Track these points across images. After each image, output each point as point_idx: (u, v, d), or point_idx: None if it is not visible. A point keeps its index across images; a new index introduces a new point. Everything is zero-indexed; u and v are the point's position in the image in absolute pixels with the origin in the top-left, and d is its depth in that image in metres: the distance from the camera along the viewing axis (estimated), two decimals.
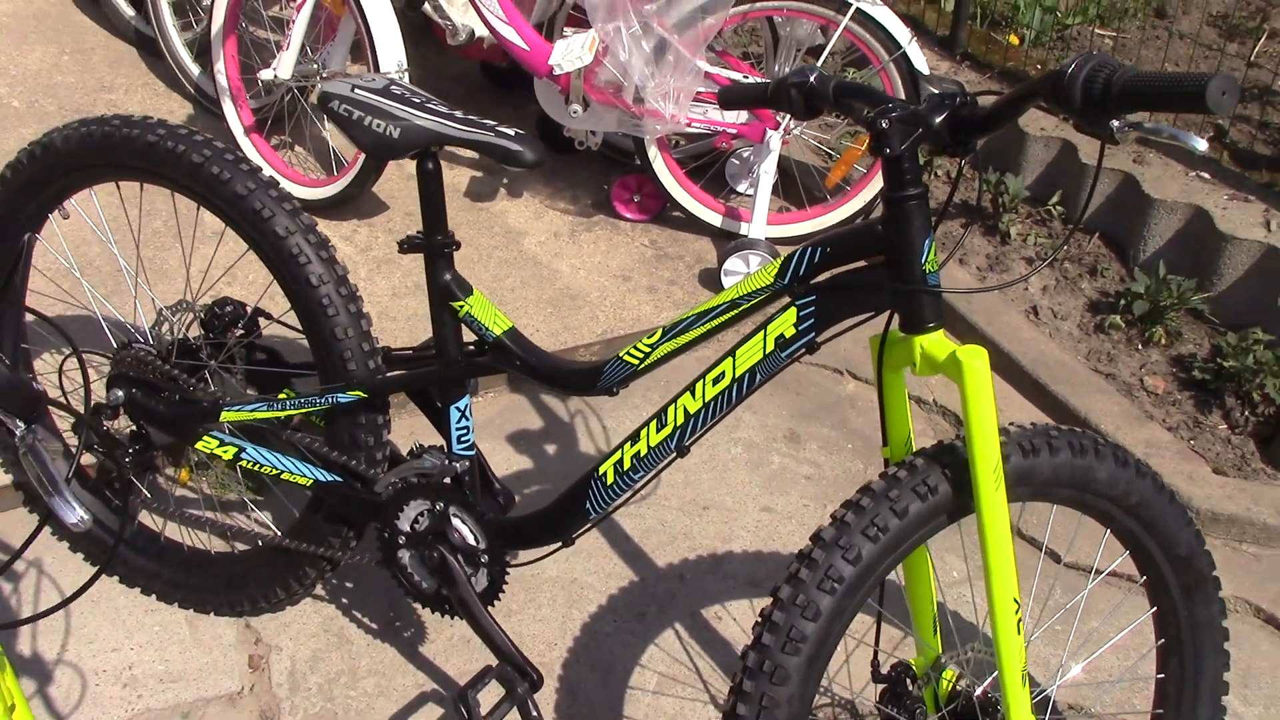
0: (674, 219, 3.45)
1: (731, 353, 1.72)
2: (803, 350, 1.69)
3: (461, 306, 1.88)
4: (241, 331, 2.15)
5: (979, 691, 1.79)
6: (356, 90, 1.80)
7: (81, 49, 3.96)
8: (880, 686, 1.87)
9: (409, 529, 1.99)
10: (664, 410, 1.79)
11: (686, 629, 2.38)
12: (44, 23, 4.08)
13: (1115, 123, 1.39)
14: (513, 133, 1.77)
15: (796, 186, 3.48)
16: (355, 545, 2.11)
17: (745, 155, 3.45)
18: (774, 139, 3.12)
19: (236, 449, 2.04)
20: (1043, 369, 2.97)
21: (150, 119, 1.99)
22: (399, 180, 3.49)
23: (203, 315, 2.16)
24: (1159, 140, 2.97)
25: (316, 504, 2.10)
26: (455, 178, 3.55)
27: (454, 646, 2.29)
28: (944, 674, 1.82)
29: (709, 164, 3.47)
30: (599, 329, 3.00)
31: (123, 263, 2.84)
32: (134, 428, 2.13)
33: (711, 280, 3.24)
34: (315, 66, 3.21)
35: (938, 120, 1.50)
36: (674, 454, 1.80)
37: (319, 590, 2.37)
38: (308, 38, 3.10)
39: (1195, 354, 3.07)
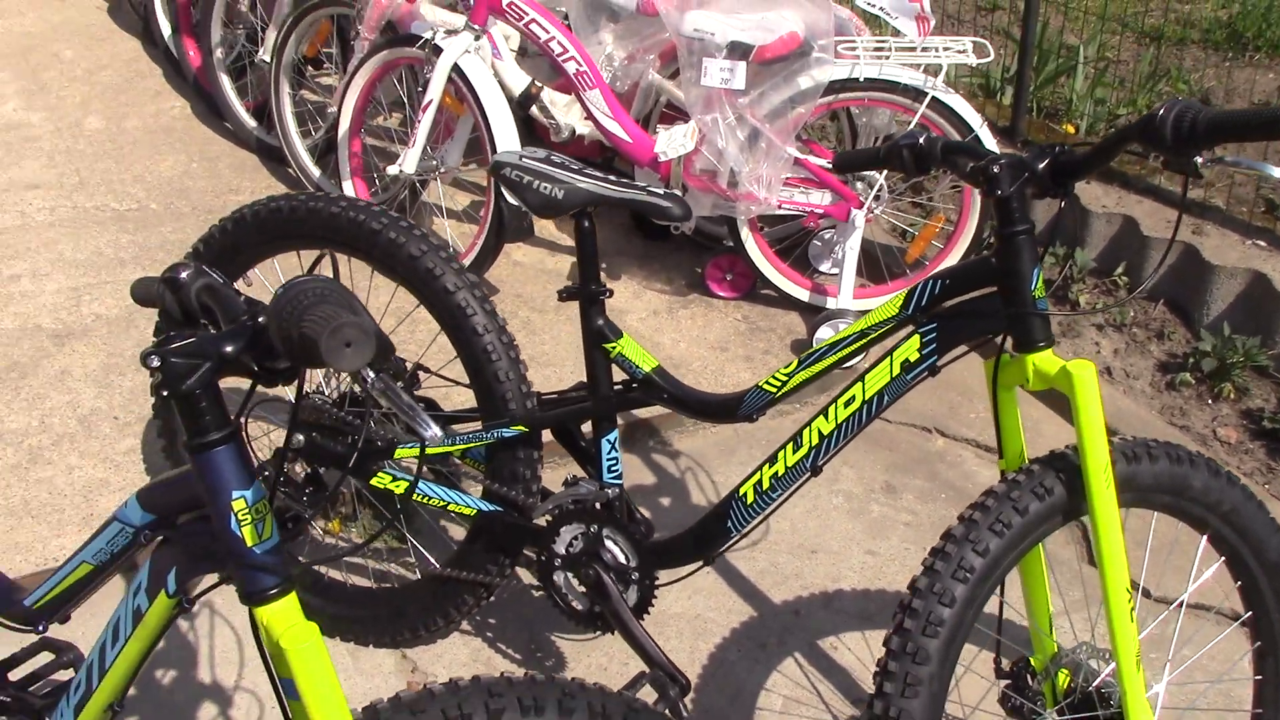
0: (763, 296, 3.71)
1: (861, 378, 1.95)
2: (925, 373, 1.91)
3: (614, 347, 2.13)
4: (402, 384, 2.40)
5: (1095, 683, 1.95)
6: (524, 159, 2.08)
7: (208, 157, 4.31)
8: (1003, 683, 2.05)
9: (564, 551, 2.21)
10: (799, 434, 2.01)
11: (805, 657, 2.56)
12: (172, 135, 4.44)
13: (1199, 159, 1.63)
14: (662, 192, 2.03)
15: (875, 263, 3.74)
16: (510, 571, 2.33)
17: (827, 237, 3.72)
18: (858, 217, 3.38)
19: (408, 483, 2.27)
20: (1121, 423, 3.17)
21: (335, 195, 2.27)
22: (505, 266, 3.77)
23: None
24: (1238, 171, 3.21)
25: (475, 534, 2.33)
26: (558, 263, 3.84)
27: (592, 674, 2.48)
28: (1060, 670, 1.99)
29: (792, 246, 3.74)
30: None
31: None
32: (308, 472, 2.37)
33: (803, 349, 3.47)
34: (434, 163, 3.52)
35: (1041, 165, 1.75)
36: (808, 473, 2.02)
37: (465, 626, 2.58)
38: (430, 137, 3.42)
39: (1264, 407, 3.26)
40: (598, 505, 2.18)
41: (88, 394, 3.10)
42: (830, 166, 2.11)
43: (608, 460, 2.20)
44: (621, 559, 2.17)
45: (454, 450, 2.25)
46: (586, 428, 2.26)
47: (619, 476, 2.21)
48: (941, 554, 1.77)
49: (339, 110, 3.62)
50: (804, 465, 2.01)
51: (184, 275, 1.33)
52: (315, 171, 4.00)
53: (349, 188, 3.71)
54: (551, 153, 2.13)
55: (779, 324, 3.61)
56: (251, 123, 4.33)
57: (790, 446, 2.02)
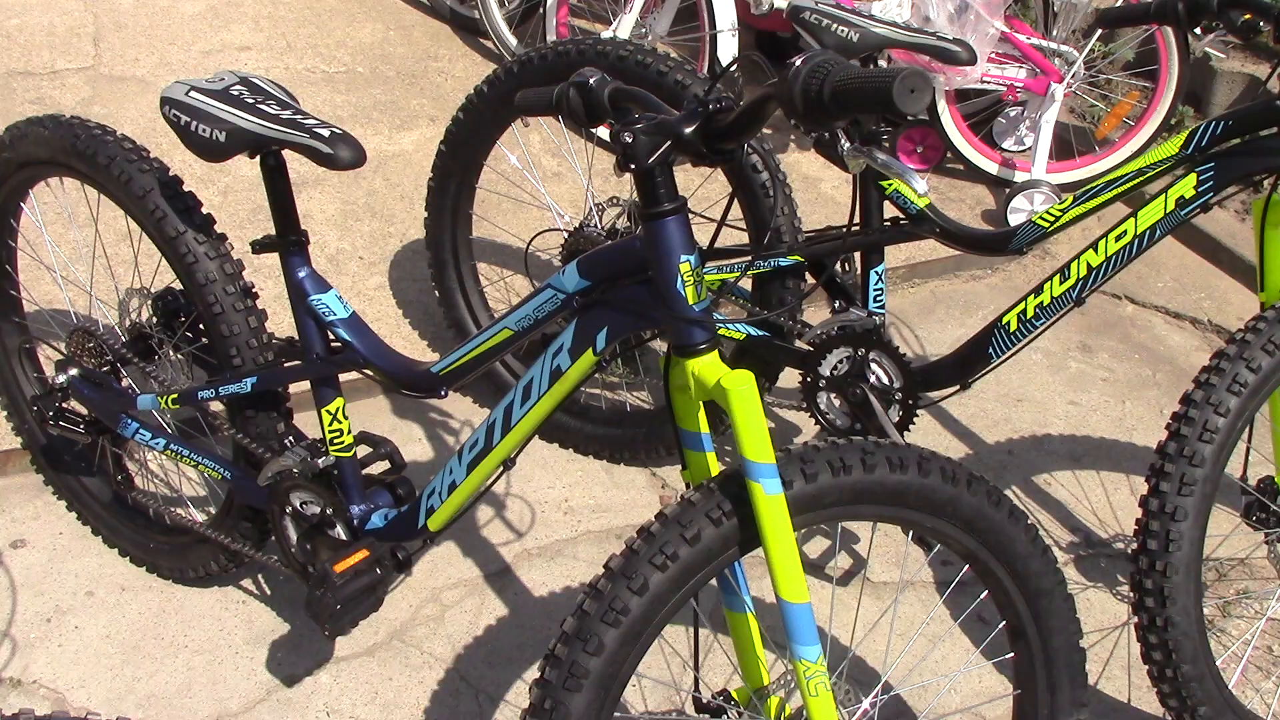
0: (949, 169, 3.85)
1: (1134, 214, 2.11)
2: (1198, 209, 2.07)
3: (888, 184, 2.31)
4: None
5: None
6: (820, 4, 2.24)
7: (403, 26, 4.50)
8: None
9: (829, 374, 2.40)
10: (1067, 265, 2.18)
11: (1021, 490, 2.76)
12: (365, 4, 4.63)
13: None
14: (951, 38, 2.19)
15: (1058, 140, 3.86)
16: (770, 391, 2.53)
17: (1012, 114, 3.84)
18: (1058, 91, 3.50)
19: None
20: None
21: (620, 41, 2.44)
22: None
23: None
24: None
25: (738, 356, 2.53)
26: None
27: None
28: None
29: (979, 123, 3.86)
30: (902, 255, 3.41)
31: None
32: None
33: (994, 220, 3.63)
34: (643, 30, 3.68)
35: None
36: (1072, 305, 2.19)
37: None
38: (643, 4, 3.57)
39: None
40: (864, 331, 2.37)
41: (331, 236, 3.32)
42: (1100, 22, 2.24)
43: (874, 290, 2.38)
44: (886, 381, 2.37)
45: (732, 277, 2.44)
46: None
47: (883, 307, 2.40)
48: (1204, 384, 1.93)
49: None
50: (1069, 296, 2.18)
51: (593, 80, 1.49)
52: (512, 40, 4.16)
53: None
54: (838, 3, 2.29)
55: (968, 195, 3.76)
56: None
57: (1057, 278, 2.19)
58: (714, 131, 1.41)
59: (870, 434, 2.40)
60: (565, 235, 2.61)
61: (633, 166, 1.42)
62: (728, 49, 3.48)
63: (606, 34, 3.59)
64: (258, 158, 1.83)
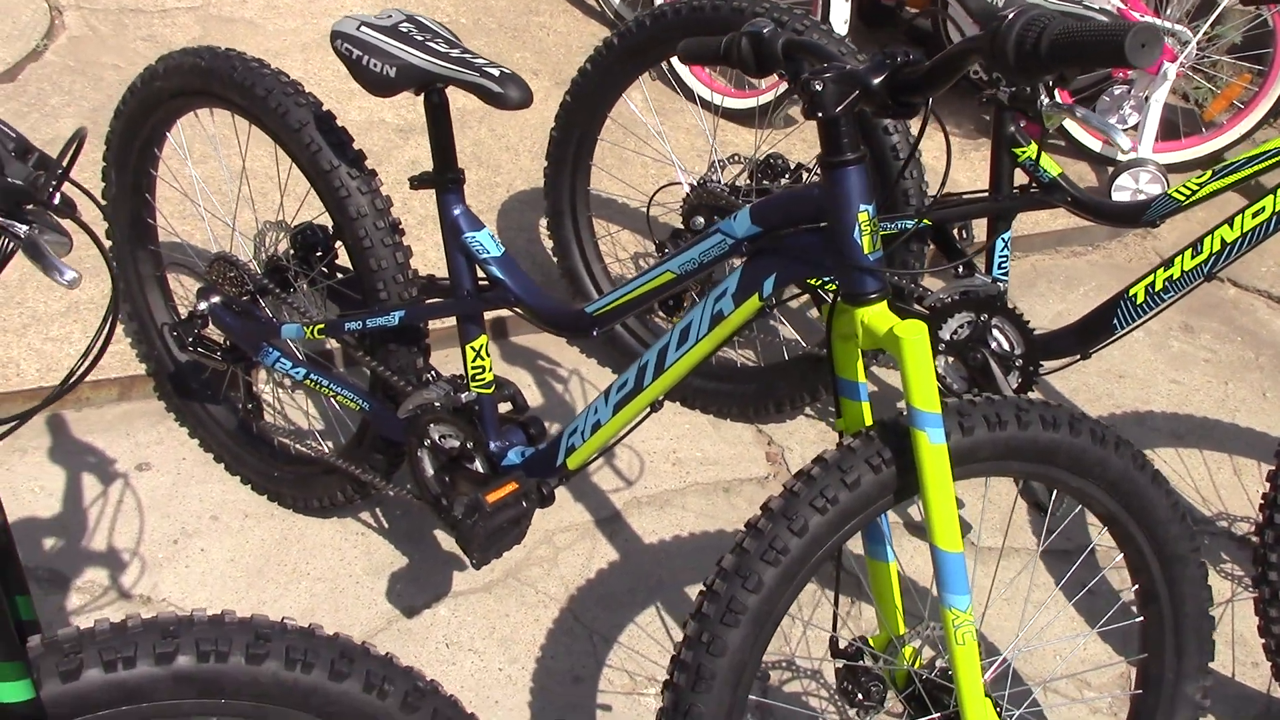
0: (1051, 145, 3.83)
1: (1273, 191, 2.11)
2: None
3: (1022, 152, 2.32)
4: None
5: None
6: None
7: None
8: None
9: (949, 337, 2.42)
10: (1200, 240, 2.19)
11: None
12: None
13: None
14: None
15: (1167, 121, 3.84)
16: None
17: (1116, 93, 3.82)
18: (1170, 70, 3.48)
19: None
20: None
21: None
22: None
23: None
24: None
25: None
26: None
27: None
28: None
29: (1085, 99, 3.85)
30: None
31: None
32: None
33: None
34: None
35: None
36: (1202, 279, 2.20)
37: (809, 410, 2.83)
38: None
39: None
40: (987, 297, 2.38)
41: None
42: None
43: (999, 257, 2.39)
44: (1008, 347, 2.38)
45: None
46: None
47: (1007, 274, 2.41)
48: None
49: None
50: (1200, 270, 2.19)
51: (766, 30, 1.51)
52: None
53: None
54: None
55: (1070, 171, 3.74)
56: None
57: (1189, 252, 2.20)
58: (901, 83, 1.43)
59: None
60: (687, 190, 2.63)
61: (820, 115, 1.44)
62: (839, 11, 3.48)
63: None
64: (421, 94, 1.87)
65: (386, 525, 2.47)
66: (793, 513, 1.52)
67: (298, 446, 2.39)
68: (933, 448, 1.48)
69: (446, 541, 2.43)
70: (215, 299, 2.26)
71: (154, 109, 2.27)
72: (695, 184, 2.61)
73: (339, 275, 2.22)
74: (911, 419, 1.49)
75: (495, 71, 1.75)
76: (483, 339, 1.98)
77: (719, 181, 2.61)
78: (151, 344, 2.55)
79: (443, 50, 1.82)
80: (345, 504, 2.35)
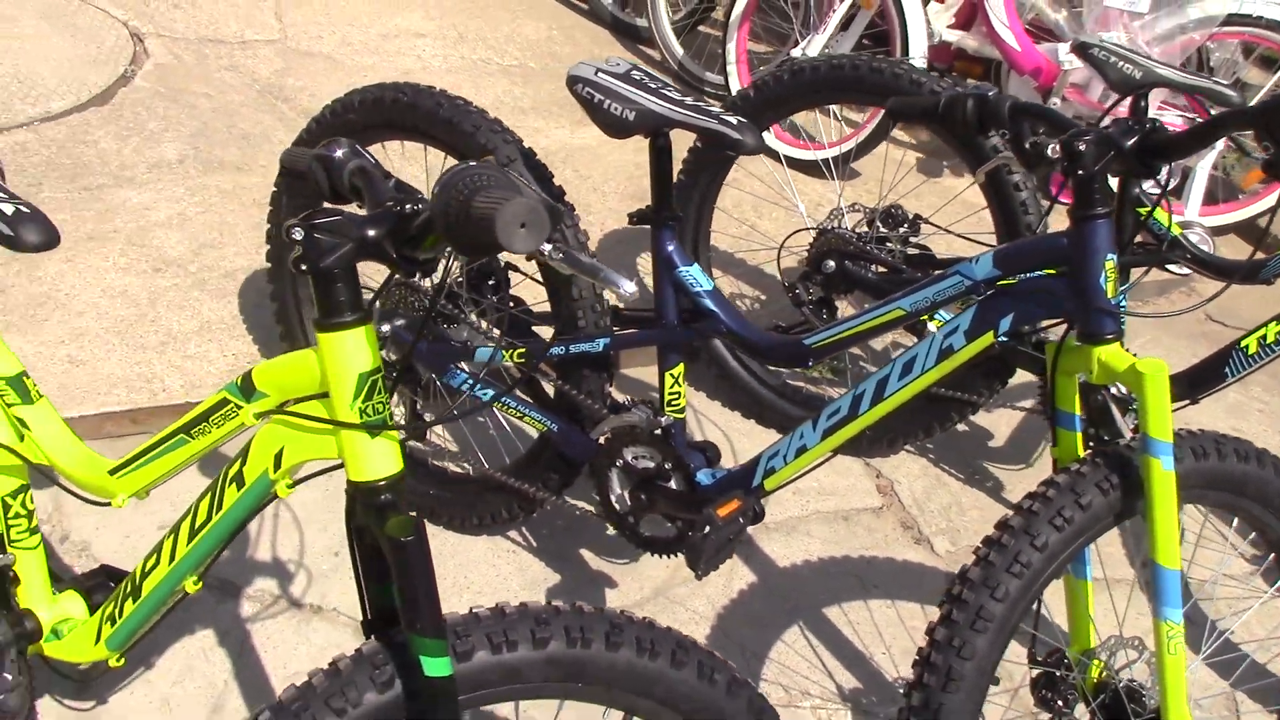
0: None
1: None
2: None
3: (1145, 211, 2.52)
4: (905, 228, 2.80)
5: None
6: (1104, 42, 2.45)
7: (564, 26, 4.69)
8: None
9: None
10: None
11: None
12: (523, 2, 4.81)
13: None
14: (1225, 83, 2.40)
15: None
16: (998, 394, 2.73)
17: None
18: (1219, 141, 3.74)
19: None
20: None
21: (892, 59, 2.64)
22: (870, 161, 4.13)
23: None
24: None
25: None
26: (906, 155, 4.21)
27: None
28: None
29: None
30: None
31: None
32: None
33: None
34: (828, 51, 3.89)
35: None
36: None
37: (910, 449, 3.00)
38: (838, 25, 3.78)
39: None
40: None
41: None
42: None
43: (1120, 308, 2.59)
44: (1125, 390, 2.57)
45: None
46: None
47: (1124, 324, 2.61)
48: None
49: None
50: None
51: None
52: (679, 50, 4.36)
53: (733, 70, 4.07)
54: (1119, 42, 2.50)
55: None
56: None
57: None
58: (1150, 147, 1.60)
59: (1104, 438, 2.60)
60: (813, 235, 2.80)
61: (1079, 172, 1.62)
62: (918, 47, 3.68)
63: (795, 53, 3.80)
64: (648, 138, 2.02)
65: (535, 544, 2.58)
66: (1035, 530, 1.68)
67: (455, 466, 2.50)
68: (1164, 474, 1.65)
69: (594, 560, 2.55)
70: (399, 322, 2.37)
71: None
72: (820, 230, 2.78)
73: (512, 304, 2.35)
74: (1147, 447, 1.65)
75: (732, 119, 1.91)
76: (681, 367, 2.12)
77: (845, 228, 2.78)
78: None
79: (676, 98, 1.97)
80: (508, 521, 2.46)
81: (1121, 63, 2.41)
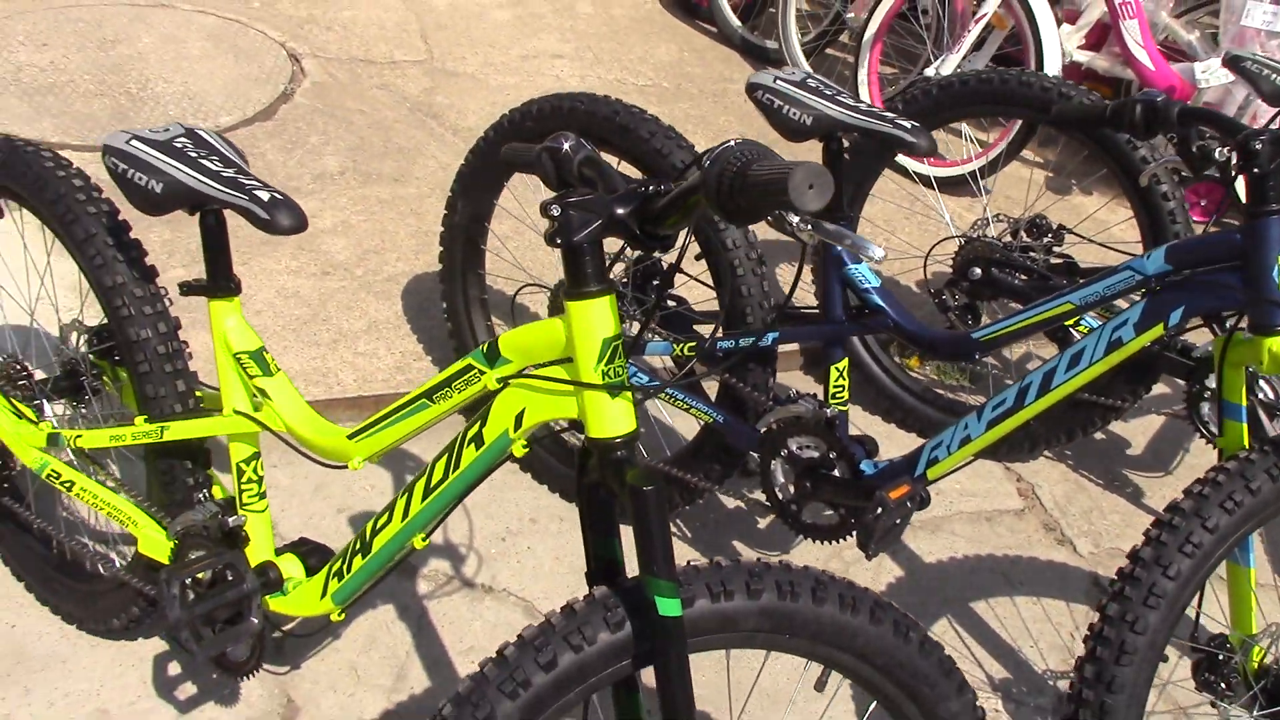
0: (1223, 222, 4.10)
1: None
2: None
3: None
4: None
5: None
6: (1259, 57, 2.51)
7: (695, 49, 4.83)
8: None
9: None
10: None
11: None
12: (654, 25, 4.97)
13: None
14: None
15: None
16: (1139, 399, 2.78)
17: None
18: None
19: None
20: None
21: (1039, 73, 2.73)
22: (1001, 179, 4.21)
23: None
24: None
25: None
26: (1034, 174, 4.28)
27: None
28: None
29: None
30: None
31: None
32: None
33: None
34: (959, 70, 3.98)
35: None
36: None
37: (1048, 455, 3.06)
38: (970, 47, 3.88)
39: None
40: None
41: None
42: None
43: None
44: (1272, 396, 2.62)
45: None
46: None
47: None
48: None
49: (869, 16, 4.09)
50: None
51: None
52: (808, 70, 4.48)
53: (865, 90, 4.18)
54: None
55: None
56: (736, 22, 4.84)
57: None
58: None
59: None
60: (960, 243, 2.89)
61: (1255, 170, 1.70)
62: (1053, 60, 3.76)
63: (929, 72, 3.89)
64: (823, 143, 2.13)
65: (690, 535, 2.69)
66: (1206, 512, 1.75)
67: None
68: None
69: (747, 552, 2.66)
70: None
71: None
72: (966, 239, 2.86)
73: (674, 303, 2.47)
74: None
75: (905, 123, 2.02)
76: (845, 361, 2.23)
77: (990, 237, 2.86)
78: None
79: (850, 103, 2.09)
80: (672, 508, 2.58)
81: (1275, 75, 2.47)
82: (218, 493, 1.99)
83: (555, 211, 1.32)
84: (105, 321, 2.14)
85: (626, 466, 1.38)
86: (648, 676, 1.43)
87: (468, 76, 4.35)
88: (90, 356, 2.14)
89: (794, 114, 2.08)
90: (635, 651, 1.41)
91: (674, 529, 2.70)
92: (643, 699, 1.56)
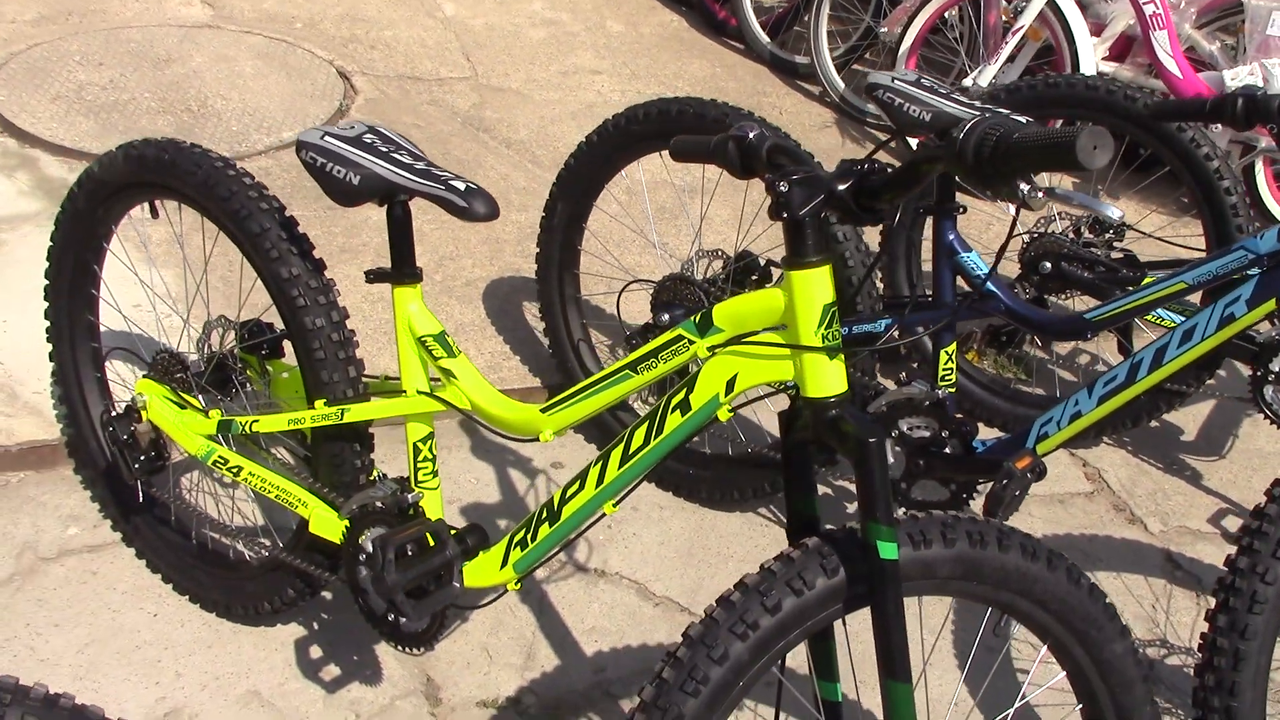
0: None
1: None
2: None
3: None
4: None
5: None
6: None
7: (726, 64, 4.98)
8: None
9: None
10: None
11: None
12: (683, 43, 5.12)
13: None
14: None
15: None
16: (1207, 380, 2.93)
17: None
18: None
19: None
20: None
21: (1090, 76, 2.88)
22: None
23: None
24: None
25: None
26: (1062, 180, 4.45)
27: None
28: None
29: None
30: None
31: None
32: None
33: None
34: (995, 82, 4.14)
35: None
36: None
37: (1108, 441, 3.20)
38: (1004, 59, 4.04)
39: None
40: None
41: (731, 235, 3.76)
42: None
43: None
44: None
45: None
46: None
47: None
48: None
49: (904, 28, 4.25)
50: None
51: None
52: (840, 84, 4.64)
53: None
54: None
55: None
56: (765, 38, 4.99)
57: None
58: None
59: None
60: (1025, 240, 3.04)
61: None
62: (1087, 59, 3.93)
63: (966, 83, 4.06)
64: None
65: (784, 519, 2.81)
66: None
67: (711, 445, 2.74)
68: None
69: None
70: (677, 312, 2.63)
71: (616, 153, 2.66)
72: (1033, 236, 3.02)
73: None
74: None
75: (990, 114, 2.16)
76: (954, 345, 2.36)
77: (1057, 234, 3.01)
78: (565, 358, 2.91)
79: (969, 102, 2.23)
80: (763, 495, 2.69)
81: (910, 105, 2.59)
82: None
83: (783, 188, 1.44)
84: (250, 319, 2.24)
85: (844, 422, 1.50)
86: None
87: (513, 92, 4.47)
88: (236, 351, 2.24)
89: (914, 110, 2.22)
90: (847, 595, 1.52)
91: (768, 513, 2.82)
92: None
